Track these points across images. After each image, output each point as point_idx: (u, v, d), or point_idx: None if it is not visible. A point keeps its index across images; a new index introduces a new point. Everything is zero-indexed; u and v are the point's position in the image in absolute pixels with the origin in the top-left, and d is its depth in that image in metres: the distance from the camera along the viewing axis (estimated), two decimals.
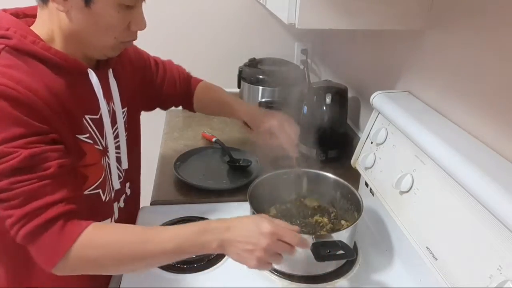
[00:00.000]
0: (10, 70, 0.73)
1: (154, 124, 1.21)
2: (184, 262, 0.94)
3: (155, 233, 0.77)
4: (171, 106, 1.25)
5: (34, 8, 0.87)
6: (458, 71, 0.92)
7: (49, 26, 0.81)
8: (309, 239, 0.86)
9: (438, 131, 0.87)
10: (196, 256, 0.95)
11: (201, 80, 1.24)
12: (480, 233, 0.71)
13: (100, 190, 0.90)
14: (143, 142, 1.14)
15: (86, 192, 0.88)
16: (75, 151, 0.83)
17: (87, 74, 0.84)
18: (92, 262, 0.75)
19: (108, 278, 1.03)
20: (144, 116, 1.15)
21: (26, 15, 0.86)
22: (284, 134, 1.06)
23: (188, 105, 1.24)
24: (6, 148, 0.70)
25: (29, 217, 0.71)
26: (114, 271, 0.85)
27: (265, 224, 0.75)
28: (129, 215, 1.09)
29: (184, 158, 1.35)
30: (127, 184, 1.05)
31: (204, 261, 0.95)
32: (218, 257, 0.97)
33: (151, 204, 1.17)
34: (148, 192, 1.21)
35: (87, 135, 0.85)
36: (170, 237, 0.75)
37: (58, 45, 0.82)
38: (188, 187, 1.21)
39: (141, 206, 1.16)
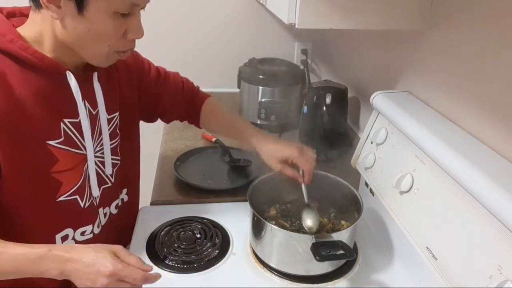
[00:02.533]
0: None
1: (154, 124, 1.20)
2: (184, 262, 0.94)
3: None
4: (173, 119, 1.20)
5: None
6: (458, 71, 0.92)
7: (39, 29, 0.80)
8: (309, 239, 0.86)
9: (438, 131, 0.87)
10: (195, 256, 0.96)
11: (208, 96, 1.18)
12: (480, 233, 0.71)
13: (77, 196, 0.89)
14: (143, 142, 1.14)
15: (61, 199, 0.87)
16: (43, 158, 0.82)
17: (66, 76, 0.83)
18: None
19: None
20: None
21: (23, 14, 0.86)
22: (303, 160, 1.00)
23: (194, 121, 1.18)
24: None
25: None
26: None
27: (106, 263, 0.72)
28: (123, 221, 1.07)
29: (184, 158, 1.35)
30: (124, 190, 1.05)
31: (204, 261, 0.96)
32: (218, 257, 0.97)
33: (151, 204, 1.17)
34: (148, 192, 1.21)
35: (61, 139, 0.84)
36: (10, 260, 0.74)
37: (46, 48, 0.80)
38: (188, 187, 1.21)
39: (141, 206, 1.16)
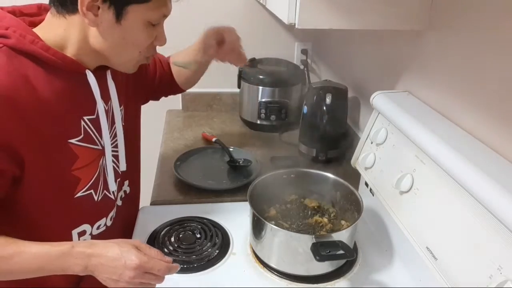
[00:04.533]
0: None
1: (154, 124, 1.20)
2: (184, 262, 0.94)
3: (18, 252, 0.76)
4: (162, 96, 1.26)
5: (31, 7, 0.88)
6: (458, 71, 0.92)
7: (62, 34, 0.81)
8: (310, 239, 0.86)
9: (438, 131, 0.87)
10: (195, 256, 0.96)
11: (168, 57, 1.24)
12: (480, 233, 0.71)
13: (92, 191, 0.91)
14: (143, 142, 1.14)
15: (78, 195, 0.88)
16: (65, 157, 0.84)
17: (84, 75, 0.85)
18: None
19: None
20: (144, 116, 1.15)
21: (23, 14, 0.86)
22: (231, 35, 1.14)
23: (175, 87, 1.24)
24: None
25: None
26: None
27: (132, 257, 0.75)
28: (127, 214, 1.08)
29: (184, 158, 1.35)
30: (126, 182, 1.05)
31: (204, 261, 0.96)
32: (218, 257, 0.97)
33: (151, 204, 1.17)
34: (148, 192, 1.21)
35: (81, 137, 0.86)
36: (32, 258, 0.75)
37: (69, 53, 0.82)
38: (188, 187, 1.21)
39: (141, 206, 1.16)
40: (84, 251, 0.76)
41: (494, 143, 0.81)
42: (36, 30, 0.81)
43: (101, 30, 0.80)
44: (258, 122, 1.62)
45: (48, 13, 0.82)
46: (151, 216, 1.10)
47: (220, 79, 1.72)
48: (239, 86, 1.70)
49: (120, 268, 0.74)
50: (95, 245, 0.77)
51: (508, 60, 0.78)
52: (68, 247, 0.76)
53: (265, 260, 0.95)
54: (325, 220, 1.05)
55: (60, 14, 0.80)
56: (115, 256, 0.75)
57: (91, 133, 0.88)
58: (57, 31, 0.81)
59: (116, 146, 0.97)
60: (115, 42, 0.82)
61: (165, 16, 0.85)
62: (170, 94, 1.28)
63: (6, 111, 0.73)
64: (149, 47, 0.87)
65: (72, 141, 0.85)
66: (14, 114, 0.74)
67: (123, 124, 0.99)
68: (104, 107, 0.90)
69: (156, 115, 1.22)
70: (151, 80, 1.17)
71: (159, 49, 1.15)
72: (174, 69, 1.22)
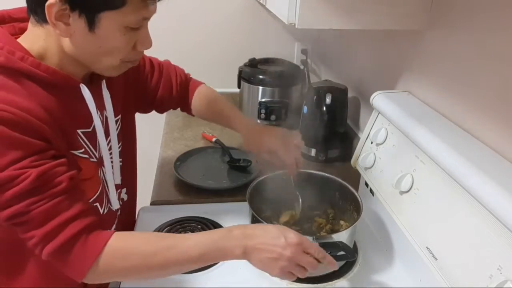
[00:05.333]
0: None
1: (154, 124, 1.20)
2: None
3: (179, 241, 0.77)
4: (167, 109, 1.20)
5: (22, 10, 0.82)
6: (458, 71, 0.92)
7: (43, 45, 0.77)
8: (310, 240, 0.86)
9: (438, 131, 0.87)
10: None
11: (200, 84, 1.19)
12: (480, 233, 0.71)
13: (98, 204, 0.89)
14: (143, 142, 1.13)
15: None
16: (72, 167, 0.81)
17: (79, 88, 0.81)
18: (120, 271, 0.76)
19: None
20: (144, 116, 1.15)
21: (13, 19, 0.83)
22: (287, 153, 1.02)
23: (186, 109, 1.19)
24: (13, 171, 0.69)
25: (50, 236, 0.71)
26: (142, 278, 0.85)
27: (291, 234, 0.76)
28: (126, 220, 1.07)
29: (184, 158, 1.35)
30: (123, 190, 1.05)
31: None
32: None
33: (151, 204, 1.17)
34: (148, 192, 1.21)
35: (82, 150, 0.84)
36: (194, 245, 0.75)
37: (51, 62, 0.78)
38: (188, 187, 1.21)
39: (141, 206, 1.16)
40: (243, 231, 0.76)
41: (494, 143, 0.81)
42: (20, 40, 0.78)
43: (74, 40, 0.74)
44: (258, 122, 1.62)
45: (29, 22, 0.78)
46: (151, 216, 1.10)
47: (220, 79, 1.72)
48: (239, 86, 1.70)
49: (280, 246, 0.74)
50: (250, 227, 0.78)
51: (508, 60, 0.78)
52: (226, 231, 0.77)
53: None
54: (324, 220, 1.05)
55: (38, 23, 0.75)
56: (274, 234, 0.75)
57: (86, 147, 0.86)
58: (38, 41, 0.77)
59: (111, 159, 0.94)
60: (91, 52, 0.76)
61: (146, 18, 0.78)
62: (177, 109, 1.23)
63: (33, 122, 0.71)
64: (131, 52, 0.80)
65: (75, 152, 0.82)
66: (38, 134, 0.72)
67: (120, 133, 0.97)
68: (100, 119, 0.87)
69: (156, 115, 1.22)
70: (151, 96, 1.12)
71: (161, 55, 1.13)
72: (197, 104, 1.16)
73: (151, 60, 1.13)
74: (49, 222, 0.71)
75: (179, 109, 1.21)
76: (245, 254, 0.75)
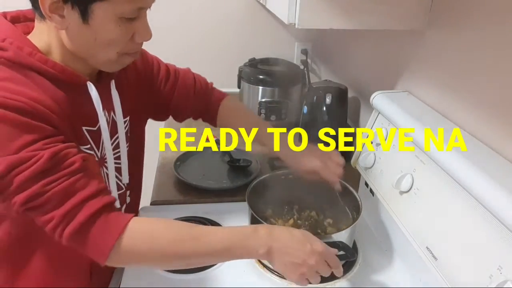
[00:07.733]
0: (7, 83, 0.71)
1: (154, 124, 1.20)
2: None
3: (204, 232, 0.76)
4: (185, 118, 1.15)
5: None
6: (458, 71, 0.92)
7: (46, 39, 0.78)
8: None
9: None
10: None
11: (224, 95, 1.14)
12: (480, 233, 0.71)
13: None
14: None
15: None
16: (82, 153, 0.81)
17: (86, 86, 0.81)
18: (140, 255, 0.75)
19: (109, 277, 1.03)
20: None
21: (27, 18, 0.84)
22: (329, 172, 0.99)
23: (209, 121, 1.15)
24: (26, 153, 0.69)
25: (70, 215, 0.70)
26: (159, 266, 0.85)
27: (317, 242, 0.76)
28: None
29: (184, 158, 1.35)
30: (127, 193, 1.05)
31: None
32: None
33: (151, 204, 1.17)
34: (148, 192, 1.21)
35: (88, 146, 0.84)
36: (220, 238, 0.75)
37: (56, 57, 0.78)
38: (188, 187, 1.21)
39: (141, 206, 1.16)
40: (269, 232, 0.76)
41: (494, 143, 0.81)
42: (29, 37, 0.78)
43: (70, 33, 0.74)
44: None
45: (35, 18, 0.79)
46: (151, 216, 1.10)
47: (220, 79, 1.72)
48: (239, 86, 1.70)
49: (305, 253, 0.74)
50: (276, 228, 0.78)
51: (508, 59, 0.78)
52: (252, 228, 0.77)
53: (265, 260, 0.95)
54: (324, 221, 1.04)
55: (41, 18, 0.76)
56: (300, 240, 0.75)
57: (90, 143, 0.85)
58: (43, 36, 0.78)
59: (118, 158, 0.93)
60: (87, 44, 0.76)
61: (142, 8, 0.76)
62: (198, 119, 1.18)
63: (43, 111, 0.71)
64: (129, 44, 0.79)
65: (82, 147, 0.82)
66: (48, 121, 0.72)
67: (128, 134, 0.96)
68: (107, 118, 0.87)
69: None
70: (165, 103, 1.09)
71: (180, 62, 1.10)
72: (224, 117, 1.12)
73: (167, 66, 1.10)
74: (67, 201, 0.70)
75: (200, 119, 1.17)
76: (268, 254, 0.75)
